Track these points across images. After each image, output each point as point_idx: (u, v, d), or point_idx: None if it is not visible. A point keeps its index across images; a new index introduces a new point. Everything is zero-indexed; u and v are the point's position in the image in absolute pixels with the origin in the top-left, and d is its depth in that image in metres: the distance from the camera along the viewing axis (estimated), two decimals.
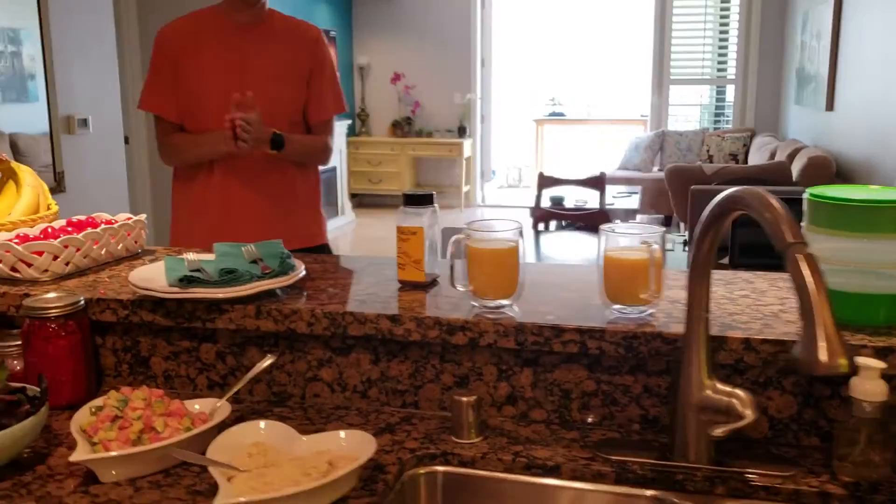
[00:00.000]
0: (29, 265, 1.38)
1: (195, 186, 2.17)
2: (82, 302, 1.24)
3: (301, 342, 1.27)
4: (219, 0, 2.20)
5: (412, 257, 1.35)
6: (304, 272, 1.36)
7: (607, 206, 5.01)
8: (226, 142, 2.00)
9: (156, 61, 2.18)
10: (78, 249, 1.44)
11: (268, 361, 1.21)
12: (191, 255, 1.41)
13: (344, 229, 8.02)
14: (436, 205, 1.37)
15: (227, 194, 2.14)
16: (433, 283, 1.37)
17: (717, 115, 8.55)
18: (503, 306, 1.20)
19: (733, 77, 8.16)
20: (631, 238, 1.17)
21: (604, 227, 1.17)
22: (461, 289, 1.21)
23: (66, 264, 1.42)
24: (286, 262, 1.34)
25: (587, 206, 4.99)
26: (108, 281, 1.41)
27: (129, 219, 1.60)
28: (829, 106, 5.56)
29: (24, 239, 1.41)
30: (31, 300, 1.22)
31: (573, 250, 3.52)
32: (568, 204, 5.20)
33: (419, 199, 1.35)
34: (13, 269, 1.38)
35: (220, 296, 1.23)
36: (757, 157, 6.69)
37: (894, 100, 4.44)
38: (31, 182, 1.64)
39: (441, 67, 8.70)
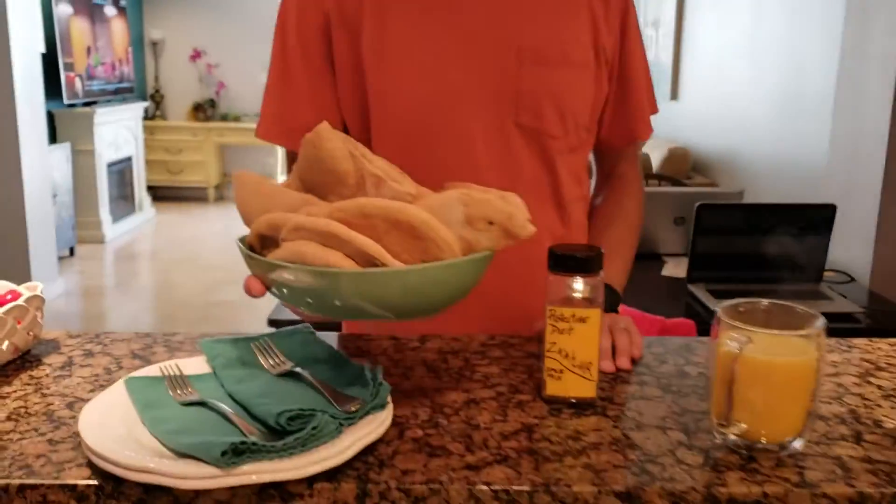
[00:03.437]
0: None
1: None
2: None
3: None
4: None
5: (578, 359, 0.81)
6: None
7: None
8: None
9: (291, 33, 1.06)
10: None
11: None
12: (171, 367, 0.80)
13: (143, 229, 6.96)
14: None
15: None
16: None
17: None
18: (786, 450, 0.72)
19: None
20: None
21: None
22: (736, 431, 0.71)
23: None
24: (374, 378, 0.76)
25: None
26: (15, 434, 0.74)
27: (14, 294, 0.93)
28: (674, 95, 5.54)
29: None
30: None
31: None
32: None
33: (582, 265, 0.80)
34: None
35: (308, 470, 0.65)
36: None
37: (733, 89, 4.43)
38: None
39: (247, 44, 7.82)
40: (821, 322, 0.71)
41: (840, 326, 2.16)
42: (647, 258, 2.70)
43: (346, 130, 1.08)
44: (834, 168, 2.73)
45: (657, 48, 5.84)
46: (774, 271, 2.29)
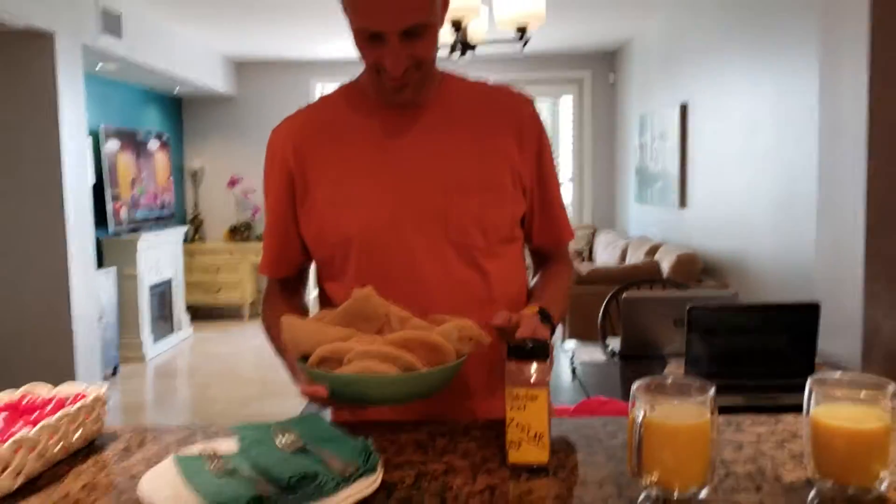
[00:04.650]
0: None
1: None
2: None
3: None
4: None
5: (532, 430, 1.02)
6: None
7: None
8: None
9: (276, 189, 1.37)
10: (32, 450, 1.00)
11: None
12: (208, 448, 1.03)
13: (181, 346, 7.23)
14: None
15: None
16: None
17: None
18: (692, 499, 0.91)
19: (570, 176, 8.44)
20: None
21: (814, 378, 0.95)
22: (648, 481, 0.92)
23: (18, 474, 0.98)
24: (366, 448, 0.99)
25: None
26: (89, 499, 0.96)
27: (83, 395, 1.18)
28: (682, 203, 5.79)
29: None
30: None
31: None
32: None
33: (533, 353, 1.03)
34: None
35: None
36: (607, 254, 6.87)
37: (734, 195, 4.67)
38: None
39: None
40: (712, 391, 0.90)
41: None
42: (651, 359, 2.85)
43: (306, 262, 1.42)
44: (821, 266, 2.92)
45: (665, 159, 6.14)
46: (766, 368, 2.43)
